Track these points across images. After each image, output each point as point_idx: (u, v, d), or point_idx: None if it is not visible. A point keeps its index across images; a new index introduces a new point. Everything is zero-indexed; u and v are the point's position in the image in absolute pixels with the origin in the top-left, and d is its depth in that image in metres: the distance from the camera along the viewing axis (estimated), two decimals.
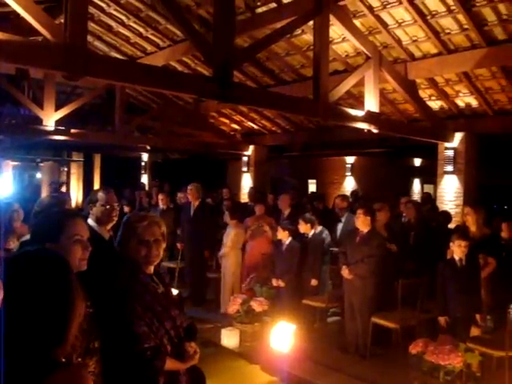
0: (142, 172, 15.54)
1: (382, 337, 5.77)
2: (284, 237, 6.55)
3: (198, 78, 7.04)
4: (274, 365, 5.14)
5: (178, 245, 8.27)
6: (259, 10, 7.17)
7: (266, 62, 8.87)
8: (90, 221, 3.19)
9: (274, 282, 6.49)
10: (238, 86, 5.39)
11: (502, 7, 6.04)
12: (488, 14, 6.21)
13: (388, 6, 6.53)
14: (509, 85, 7.41)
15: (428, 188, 14.61)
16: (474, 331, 5.04)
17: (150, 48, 9.42)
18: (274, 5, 6.90)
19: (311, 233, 6.72)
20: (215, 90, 4.86)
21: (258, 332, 6.07)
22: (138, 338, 2.18)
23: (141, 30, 8.84)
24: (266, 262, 6.96)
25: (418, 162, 16.07)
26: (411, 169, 16.37)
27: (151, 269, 2.49)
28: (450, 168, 8.33)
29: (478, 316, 4.97)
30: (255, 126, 11.93)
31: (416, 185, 16.99)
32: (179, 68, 9.66)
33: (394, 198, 9.07)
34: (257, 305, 6.08)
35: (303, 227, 6.65)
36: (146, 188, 13.65)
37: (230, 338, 6.04)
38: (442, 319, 4.90)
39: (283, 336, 5.03)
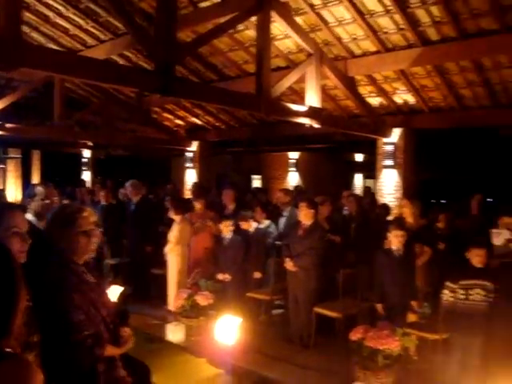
0: (84, 169, 15.15)
1: (326, 326, 5.93)
2: (226, 232, 6.61)
3: (139, 71, 6.94)
4: (219, 358, 5.18)
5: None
6: (202, 5, 7.15)
7: (209, 57, 8.86)
8: (29, 215, 3.12)
9: (220, 277, 6.54)
10: (180, 81, 5.38)
11: (434, 9, 6.30)
12: (422, 15, 6.46)
13: (328, 4, 6.67)
14: (443, 83, 7.74)
15: (369, 182, 15.07)
16: (412, 317, 5.27)
17: (90, 41, 9.18)
18: (216, 0, 6.91)
19: (253, 227, 6.83)
20: (157, 84, 4.82)
21: (204, 326, 6.09)
22: (77, 327, 2.20)
23: (80, 21, 8.60)
24: (209, 257, 7.00)
25: (360, 157, 16.53)
26: (353, 164, 16.82)
27: (82, 259, 2.51)
28: (389, 162, 8.63)
29: (414, 303, 5.20)
30: (199, 122, 11.90)
31: (358, 179, 17.48)
32: (121, 62, 9.49)
33: (336, 191, 9.31)
34: (202, 299, 6.10)
35: (244, 225, 6.78)
36: (88, 185, 13.32)
37: (175, 333, 6.03)
38: (379, 306, 5.10)
39: (228, 329, 5.08)
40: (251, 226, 6.82)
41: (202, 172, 12.29)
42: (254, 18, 6.13)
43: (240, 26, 7.29)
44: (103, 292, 2.56)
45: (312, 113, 6.56)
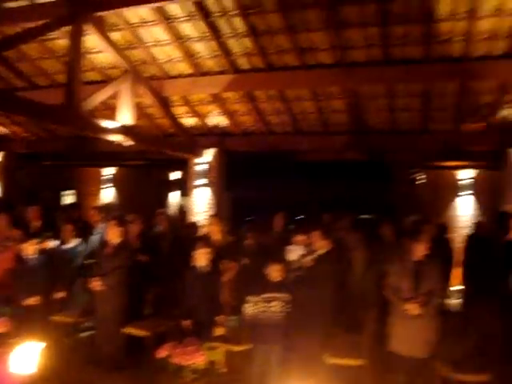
0: None
1: (136, 346, 5.85)
2: (31, 251, 6.15)
3: None
4: None
5: None
6: (10, 5, 6.63)
7: (17, 63, 8.25)
8: None
9: (31, 301, 6.00)
10: None
11: (246, 41, 6.80)
12: (234, 45, 6.92)
13: (146, 24, 6.75)
14: (253, 109, 8.32)
15: (185, 200, 15.28)
16: (220, 331, 5.47)
17: None
18: (26, 2, 6.47)
19: (52, 245, 6.49)
20: None
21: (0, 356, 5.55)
22: None
23: None
24: (10, 279, 6.41)
25: (177, 175, 16.69)
26: (170, 182, 16.92)
27: None
28: (202, 181, 8.94)
29: (220, 317, 5.42)
30: (5, 131, 10.91)
31: (174, 197, 17.60)
32: None
33: (152, 209, 9.29)
34: None
35: (42, 245, 6.40)
36: None
37: None
38: (186, 323, 5.20)
39: (28, 357, 4.70)
40: (49, 245, 6.44)
41: (6, 186, 11.24)
42: (67, 28, 5.90)
43: (53, 34, 6.96)
44: None
45: (125, 130, 6.51)
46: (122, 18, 6.65)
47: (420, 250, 4.56)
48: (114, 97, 6.86)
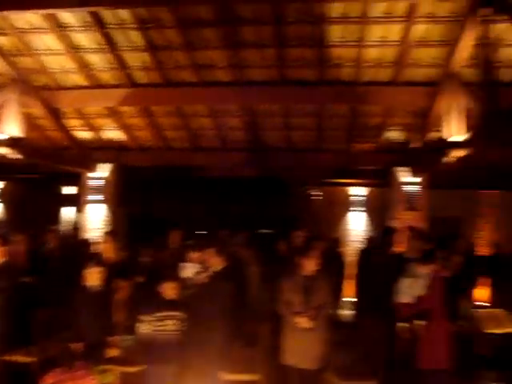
0: None
1: (20, 374, 5.45)
2: None
3: None
4: None
5: None
6: None
7: None
8: None
9: None
10: None
11: (144, 55, 6.72)
12: (131, 58, 6.80)
13: (37, 31, 6.43)
14: (150, 124, 8.22)
15: (79, 216, 14.61)
16: (113, 352, 5.26)
17: None
18: None
19: None
20: None
21: None
22: None
23: None
24: None
25: (72, 189, 15.93)
26: (64, 196, 16.09)
27: None
28: (97, 197, 8.63)
29: (113, 338, 5.22)
30: None
31: (70, 212, 16.77)
32: None
33: (42, 226, 8.78)
34: None
35: None
36: None
37: None
38: (75, 346, 4.95)
39: None
40: None
41: None
42: None
43: None
44: None
45: (11, 142, 6.13)
46: (7, 22, 6.27)
47: (310, 266, 4.71)
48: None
